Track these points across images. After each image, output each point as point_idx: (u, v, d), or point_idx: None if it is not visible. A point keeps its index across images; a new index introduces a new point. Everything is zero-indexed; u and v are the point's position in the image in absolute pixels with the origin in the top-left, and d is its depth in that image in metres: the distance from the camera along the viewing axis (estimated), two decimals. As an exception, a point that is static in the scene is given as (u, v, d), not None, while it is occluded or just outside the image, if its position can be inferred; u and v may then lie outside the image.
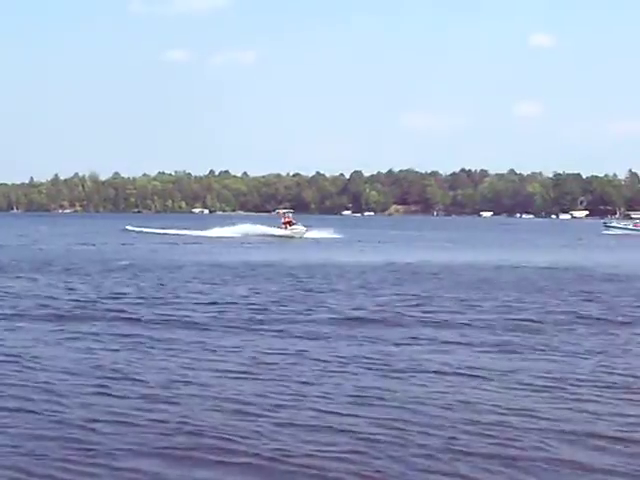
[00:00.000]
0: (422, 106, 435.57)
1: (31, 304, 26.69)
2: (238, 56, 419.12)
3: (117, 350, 18.79)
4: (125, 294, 30.03)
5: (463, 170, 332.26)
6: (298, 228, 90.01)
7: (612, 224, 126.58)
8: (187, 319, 23.71)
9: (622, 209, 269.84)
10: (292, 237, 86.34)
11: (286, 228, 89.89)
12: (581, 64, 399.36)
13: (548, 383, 15.46)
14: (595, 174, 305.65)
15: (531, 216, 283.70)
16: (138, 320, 23.48)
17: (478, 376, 16.06)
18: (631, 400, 14.33)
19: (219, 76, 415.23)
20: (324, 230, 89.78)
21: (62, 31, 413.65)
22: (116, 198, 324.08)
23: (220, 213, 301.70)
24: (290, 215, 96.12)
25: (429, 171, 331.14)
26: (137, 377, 15.78)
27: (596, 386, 15.28)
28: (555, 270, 44.39)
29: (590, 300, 29.92)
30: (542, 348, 19.39)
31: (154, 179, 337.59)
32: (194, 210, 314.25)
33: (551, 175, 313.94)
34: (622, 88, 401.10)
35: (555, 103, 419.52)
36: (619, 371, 16.73)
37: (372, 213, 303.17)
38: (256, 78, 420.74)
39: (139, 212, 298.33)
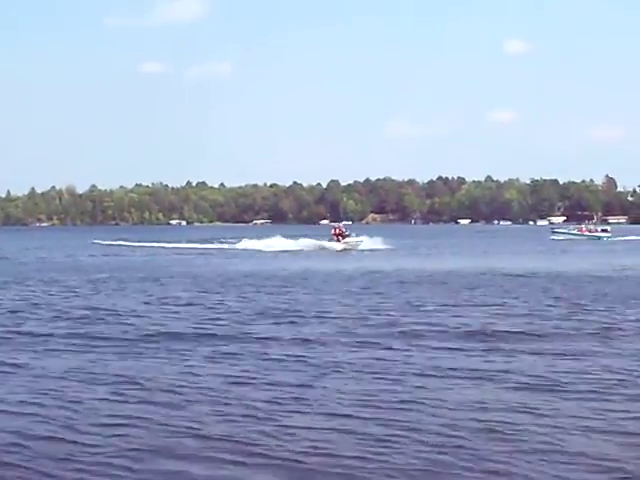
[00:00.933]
0: (398, 115, 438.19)
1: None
2: (215, 67, 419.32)
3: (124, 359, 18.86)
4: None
5: (440, 178, 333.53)
6: (353, 240, 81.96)
7: (558, 230, 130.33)
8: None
9: (600, 214, 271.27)
10: (349, 250, 78.09)
11: (338, 240, 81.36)
12: (556, 70, 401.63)
13: (543, 382, 15.64)
14: (572, 180, 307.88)
15: (509, 223, 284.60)
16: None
17: (475, 377, 16.26)
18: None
19: (196, 87, 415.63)
20: (372, 240, 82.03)
21: (38, 45, 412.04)
22: (93, 211, 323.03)
23: (198, 224, 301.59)
24: (341, 225, 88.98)
25: (406, 179, 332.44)
26: (146, 384, 15.87)
27: (587, 384, 15.50)
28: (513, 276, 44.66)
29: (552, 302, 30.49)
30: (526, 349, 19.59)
31: (131, 191, 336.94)
32: (171, 222, 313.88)
33: (528, 181, 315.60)
34: (597, 93, 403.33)
35: (531, 109, 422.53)
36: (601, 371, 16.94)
37: (350, 222, 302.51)
38: (232, 89, 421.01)
39: (116, 224, 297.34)
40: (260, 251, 78.42)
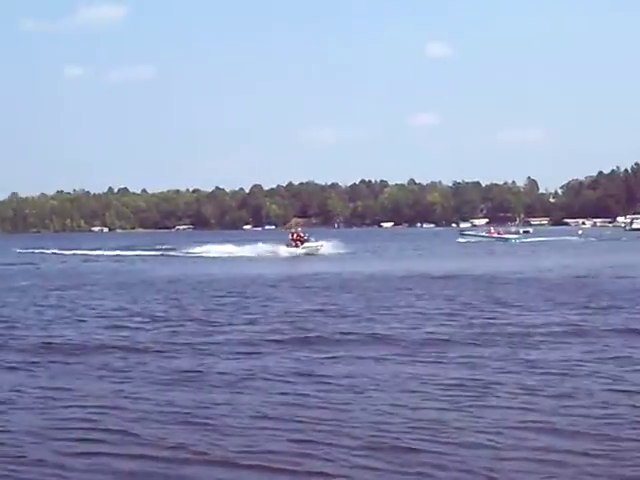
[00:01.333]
0: (320, 118, 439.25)
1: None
2: (136, 71, 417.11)
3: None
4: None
5: (363, 181, 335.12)
6: (313, 244, 79.57)
7: (466, 232, 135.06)
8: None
9: (522, 215, 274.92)
10: (310, 254, 75.42)
11: (297, 245, 78.21)
12: (477, 73, 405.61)
13: (470, 384, 15.84)
14: (494, 182, 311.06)
15: (432, 225, 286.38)
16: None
17: (402, 380, 16.49)
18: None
19: (117, 91, 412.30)
20: (331, 244, 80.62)
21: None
22: (14, 219, 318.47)
23: (120, 231, 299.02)
24: (299, 230, 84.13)
25: (329, 183, 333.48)
26: (74, 389, 15.90)
27: (513, 384, 15.83)
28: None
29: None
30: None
31: (52, 198, 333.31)
32: (93, 228, 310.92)
33: (450, 184, 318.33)
34: (518, 96, 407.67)
35: (453, 112, 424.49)
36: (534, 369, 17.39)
37: (273, 227, 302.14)
38: (154, 93, 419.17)
39: (38, 232, 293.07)
40: (212, 257, 76.88)
